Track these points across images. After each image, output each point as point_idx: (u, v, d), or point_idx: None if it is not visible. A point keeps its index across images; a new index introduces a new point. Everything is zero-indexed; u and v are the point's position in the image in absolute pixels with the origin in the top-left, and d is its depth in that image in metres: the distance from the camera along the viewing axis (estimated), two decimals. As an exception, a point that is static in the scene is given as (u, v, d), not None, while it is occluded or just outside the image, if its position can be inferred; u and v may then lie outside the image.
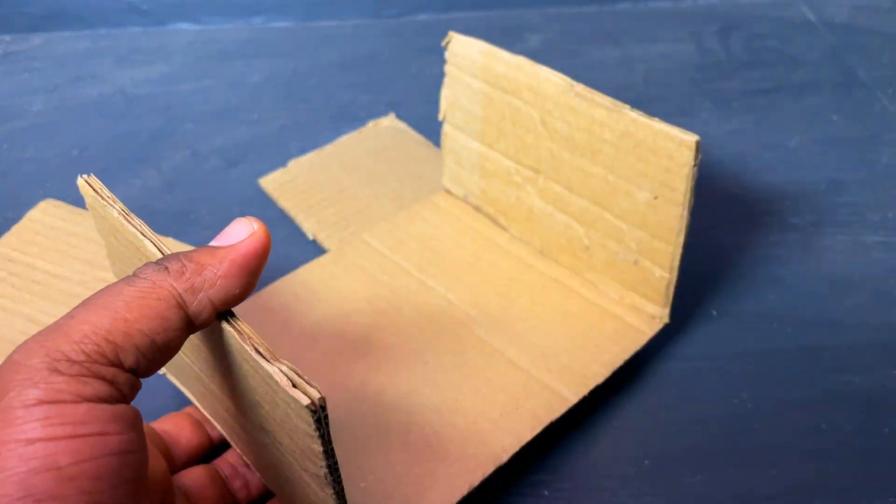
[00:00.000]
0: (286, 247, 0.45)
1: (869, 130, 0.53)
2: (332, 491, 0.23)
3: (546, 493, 0.33)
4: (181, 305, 0.23)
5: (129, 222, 0.25)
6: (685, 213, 0.34)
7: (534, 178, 0.40)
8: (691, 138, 0.32)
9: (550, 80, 0.36)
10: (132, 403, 0.22)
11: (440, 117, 0.43)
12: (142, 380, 0.22)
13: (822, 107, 0.56)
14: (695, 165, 0.32)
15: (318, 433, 0.21)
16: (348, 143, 0.52)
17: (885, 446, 0.34)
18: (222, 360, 0.25)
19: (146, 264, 0.24)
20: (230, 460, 0.32)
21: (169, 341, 0.22)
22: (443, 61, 0.41)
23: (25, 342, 0.21)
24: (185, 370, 0.31)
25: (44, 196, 0.48)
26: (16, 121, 0.57)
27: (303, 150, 0.52)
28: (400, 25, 0.67)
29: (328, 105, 0.57)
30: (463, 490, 0.31)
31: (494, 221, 0.43)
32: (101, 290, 0.22)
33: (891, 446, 0.34)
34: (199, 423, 0.32)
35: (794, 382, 0.37)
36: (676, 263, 0.35)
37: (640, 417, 0.36)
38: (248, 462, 0.31)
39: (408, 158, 0.51)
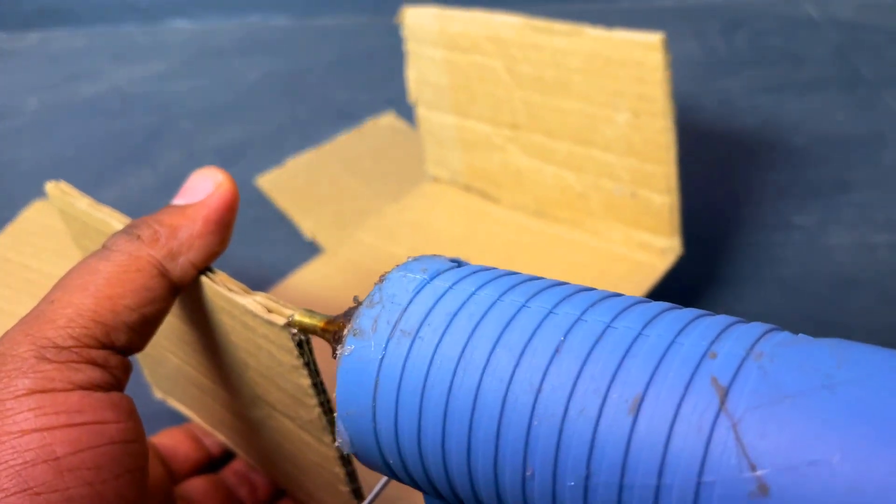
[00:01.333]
0: (284, 246, 0.44)
1: (874, 129, 0.53)
2: (329, 439, 0.22)
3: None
4: (163, 273, 0.22)
5: (99, 211, 0.25)
6: (670, 125, 0.32)
7: (514, 136, 0.39)
8: (656, 38, 0.31)
9: (506, 22, 0.35)
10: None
11: (410, 100, 0.43)
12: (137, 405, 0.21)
13: (827, 105, 0.55)
14: (667, 68, 0.31)
15: (301, 360, 0.20)
16: (347, 142, 0.52)
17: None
18: (206, 331, 0.24)
19: (114, 235, 0.23)
20: (236, 469, 0.31)
21: (157, 312, 0.22)
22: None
23: (8, 332, 0.20)
24: (173, 376, 0.30)
25: (39, 195, 0.48)
26: (11, 119, 0.56)
27: (300, 149, 0.51)
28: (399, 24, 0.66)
29: (326, 103, 0.57)
30: None
31: (486, 196, 0.42)
32: (75, 270, 0.22)
33: None
34: (198, 439, 0.32)
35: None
36: (674, 184, 0.34)
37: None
38: (252, 462, 0.30)
39: (407, 157, 0.50)
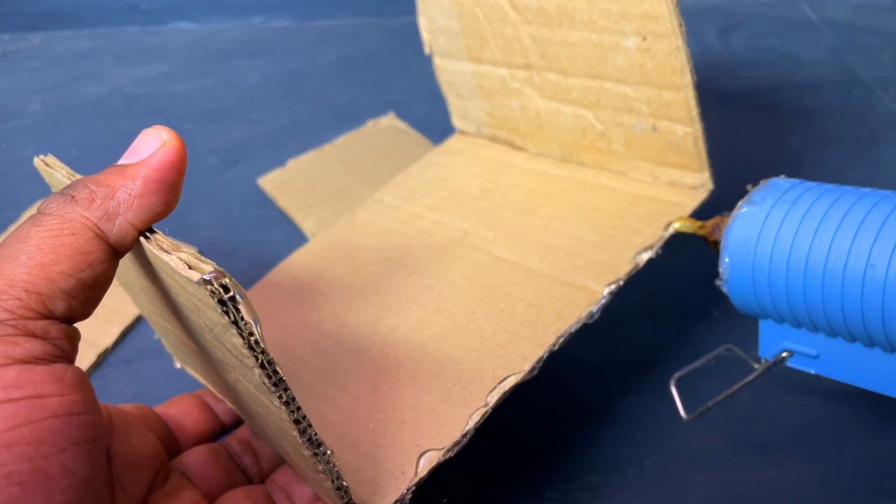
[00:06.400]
0: (285, 246, 0.45)
1: (870, 130, 0.53)
2: (278, 400, 0.21)
3: (546, 494, 0.33)
4: (100, 236, 0.21)
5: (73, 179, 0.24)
6: (681, 44, 0.31)
7: (528, 77, 0.38)
8: None
9: None
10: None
11: (426, 50, 0.42)
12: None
13: (824, 106, 0.56)
14: None
15: (227, 318, 0.19)
16: (348, 143, 0.52)
17: (885, 447, 0.34)
18: (169, 296, 0.23)
19: (49, 197, 0.21)
20: (240, 436, 0.30)
21: (97, 276, 0.21)
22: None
23: None
24: (177, 343, 0.30)
25: (42, 195, 0.48)
26: (14, 120, 0.57)
27: (302, 150, 0.52)
28: (400, 25, 0.66)
29: (327, 104, 0.57)
30: (479, 409, 0.28)
31: (511, 144, 0.41)
32: (6, 239, 0.20)
33: (891, 447, 0.34)
34: (208, 406, 0.31)
35: (794, 382, 0.37)
36: (695, 113, 0.32)
37: (641, 418, 0.36)
38: (253, 428, 0.30)
39: (407, 158, 0.51)
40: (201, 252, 0.45)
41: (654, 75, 0.32)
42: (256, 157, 0.52)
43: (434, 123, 0.54)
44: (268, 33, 0.66)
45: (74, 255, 0.20)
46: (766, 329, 0.30)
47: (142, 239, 0.21)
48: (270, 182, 0.49)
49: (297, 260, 0.38)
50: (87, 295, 0.20)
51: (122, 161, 0.22)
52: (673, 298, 0.37)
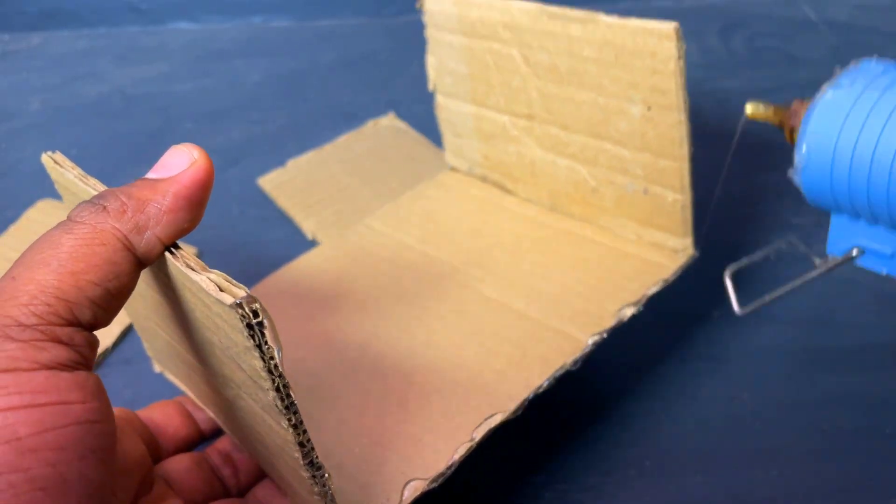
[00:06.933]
0: (285, 246, 0.45)
1: (870, 130, 0.53)
2: (286, 423, 0.22)
3: (546, 494, 0.33)
4: (128, 247, 0.21)
5: (85, 183, 0.24)
6: (683, 119, 0.32)
7: (529, 127, 0.38)
8: (669, 26, 0.30)
9: (522, 8, 0.35)
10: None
11: (430, 88, 0.43)
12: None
13: (823, 106, 0.56)
14: (680, 58, 0.31)
15: (252, 342, 0.20)
16: (347, 143, 0.52)
17: (885, 447, 0.34)
18: (179, 307, 0.24)
19: (81, 205, 0.22)
20: (220, 448, 0.31)
21: (122, 286, 0.21)
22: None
23: None
24: (165, 350, 0.30)
25: (42, 195, 0.48)
26: (14, 120, 0.57)
27: (302, 150, 0.52)
28: (399, 24, 0.66)
29: (327, 104, 0.57)
30: (465, 444, 0.28)
31: (501, 187, 0.42)
32: (37, 243, 0.21)
33: (891, 447, 0.34)
34: (189, 414, 0.31)
35: (794, 382, 0.37)
36: (687, 182, 0.33)
37: (640, 418, 0.36)
38: (236, 441, 0.30)
39: (407, 158, 0.51)
40: (201, 253, 0.45)
41: (654, 143, 0.34)
42: (256, 157, 0.52)
43: (434, 123, 0.54)
44: (268, 33, 0.66)
45: (103, 265, 0.20)
46: (837, 225, 0.28)
47: (167, 255, 0.22)
48: (270, 182, 0.49)
49: (283, 277, 0.39)
50: (110, 304, 0.21)
51: (151, 175, 0.23)
52: (672, 299, 0.37)
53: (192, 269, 0.21)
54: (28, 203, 0.48)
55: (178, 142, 0.60)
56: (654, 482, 0.33)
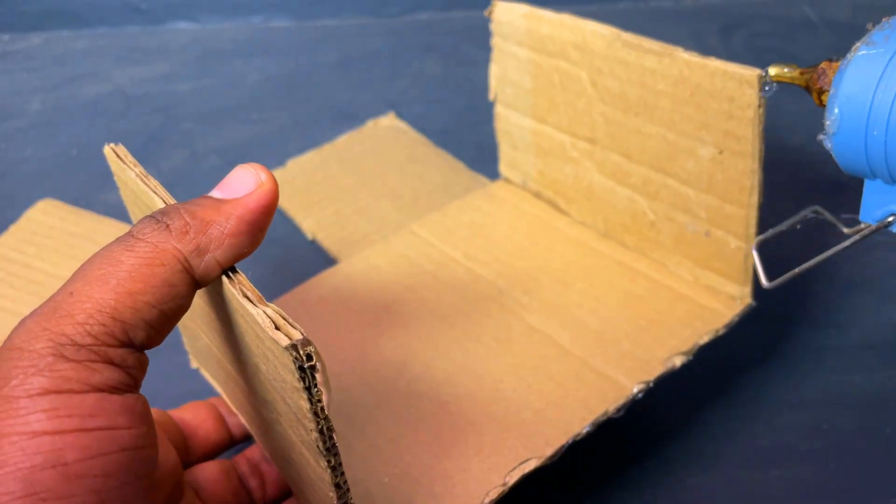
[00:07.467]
0: (285, 246, 0.45)
1: (870, 129, 0.53)
2: (325, 463, 0.21)
3: (546, 494, 0.33)
4: (187, 269, 0.21)
5: (146, 183, 0.24)
6: (756, 167, 0.30)
7: (590, 151, 0.37)
8: (752, 73, 0.29)
9: (596, 31, 0.34)
10: (142, 390, 0.21)
11: (490, 97, 0.42)
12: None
13: (823, 106, 0.56)
14: (760, 106, 0.29)
15: (302, 384, 0.19)
16: (347, 143, 0.52)
17: (885, 447, 0.34)
18: (227, 324, 0.24)
19: (143, 220, 0.21)
20: (249, 457, 0.30)
21: (178, 308, 0.21)
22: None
23: (24, 323, 0.19)
24: (206, 352, 0.30)
25: (42, 196, 0.48)
26: (14, 120, 0.57)
27: (302, 150, 0.52)
28: (400, 24, 0.66)
29: (327, 104, 0.57)
30: (497, 488, 0.27)
31: (554, 206, 0.41)
32: (97, 258, 0.20)
33: (891, 447, 0.34)
34: (221, 417, 0.31)
35: (794, 382, 0.37)
36: (753, 231, 0.32)
37: (640, 419, 0.36)
38: (266, 453, 0.30)
39: (407, 158, 0.51)
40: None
41: (722, 188, 0.32)
42: (256, 157, 0.52)
43: (434, 123, 0.54)
44: (267, 33, 0.66)
45: (162, 287, 0.20)
46: (872, 191, 0.27)
47: (224, 278, 0.22)
48: (270, 182, 0.49)
49: (327, 280, 0.38)
50: (164, 325, 0.21)
51: (215, 193, 0.22)
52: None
53: (249, 301, 0.20)
54: (28, 203, 0.48)
55: (177, 142, 0.61)
56: (654, 482, 0.33)
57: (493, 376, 0.32)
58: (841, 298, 0.41)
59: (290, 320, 0.20)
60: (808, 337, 0.39)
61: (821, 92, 0.27)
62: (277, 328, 0.19)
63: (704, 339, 0.32)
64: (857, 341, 0.39)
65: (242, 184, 0.22)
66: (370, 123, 0.54)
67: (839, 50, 0.27)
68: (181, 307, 0.21)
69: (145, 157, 0.53)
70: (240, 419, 0.31)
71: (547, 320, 0.34)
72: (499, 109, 0.42)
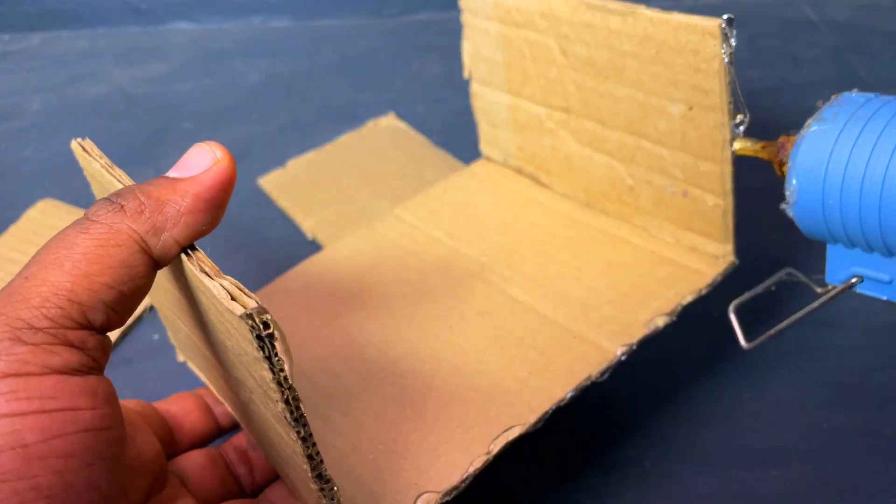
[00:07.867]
0: (285, 246, 0.45)
1: (870, 129, 0.53)
2: (295, 434, 0.21)
3: (546, 494, 0.33)
4: (144, 249, 0.21)
5: (111, 173, 0.24)
6: (726, 120, 0.30)
7: (565, 120, 0.37)
8: (713, 23, 0.29)
9: None
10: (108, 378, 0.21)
11: (465, 75, 0.42)
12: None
13: (823, 106, 0.56)
14: (727, 59, 0.29)
15: (262, 353, 0.19)
16: (348, 143, 0.52)
17: (885, 447, 0.34)
18: (196, 306, 0.24)
19: (98, 202, 0.21)
20: (236, 444, 0.30)
21: (137, 289, 0.21)
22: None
23: None
24: (187, 342, 0.30)
25: (42, 196, 0.48)
26: (14, 120, 0.57)
27: (302, 150, 0.52)
28: (400, 24, 0.66)
29: (327, 104, 0.57)
30: (482, 456, 0.28)
31: (536, 180, 0.41)
32: (52, 243, 0.20)
33: (891, 447, 0.34)
34: (208, 407, 0.31)
35: (794, 382, 0.37)
36: (729, 186, 0.32)
37: (640, 418, 0.36)
38: (253, 439, 0.30)
39: (407, 158, 0.51)
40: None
41: (695, 144, 0.32)
42: (256, 157, 0.52)
43: (434, 123, 0.54)
44: (267, 33, 0.66)
45: (118, 268, 0.20)
46: (834, 254, 0.28)
47: (183, 256, 0.21)
48: (270, 182, 0.49)
49: (310, 268, 0.38)
50: (124, 306, 0.21)
51: (171, 173, 0.22)
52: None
53: (206, 275, 0.20)
54: (28, 203, 0.48)
55: (177, 142, 0.61)
56: (654, 482, 0.33)
57: (476, 350, 0.32)
58: (841, 298, 0.41)
59: (247, 291, 0.20)
60: (809, 337, 0.39)
61: (781, 164, 0.29)
62: (234, 299, 0.19)
63: (688, 300, 0.33)
64: (858, 341, 0.39)
65: (198, 162, 0.22)
66: (370, 123, 0.54)
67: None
68: (141, 287, 0.21)
69: (145, 156, 0.53)
70: (226, 408, 0.31)
71: (530, 292, 0.34)
72: (475, 87, 0.42)
